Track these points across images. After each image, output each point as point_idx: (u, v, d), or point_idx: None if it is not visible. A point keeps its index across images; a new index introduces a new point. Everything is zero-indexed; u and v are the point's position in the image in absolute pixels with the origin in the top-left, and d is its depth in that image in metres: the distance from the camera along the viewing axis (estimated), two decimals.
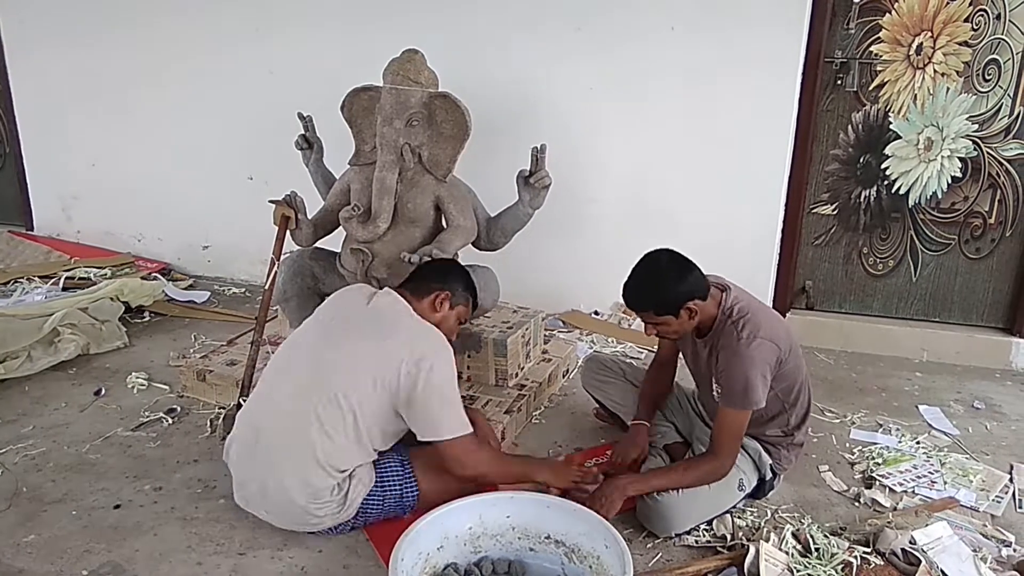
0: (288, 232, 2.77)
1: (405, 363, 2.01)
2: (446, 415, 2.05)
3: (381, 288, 2.72)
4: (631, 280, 2.18)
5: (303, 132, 3.03)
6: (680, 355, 2.50)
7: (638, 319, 3.57)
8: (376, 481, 2.10)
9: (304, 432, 1.99)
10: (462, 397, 2.71)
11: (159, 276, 4.16)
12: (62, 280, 3.87)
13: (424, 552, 1.84)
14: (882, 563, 1.99)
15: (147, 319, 3.71)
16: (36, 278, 3.93)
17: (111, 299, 3.58)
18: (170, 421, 2.75)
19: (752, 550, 1.99)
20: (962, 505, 2.35)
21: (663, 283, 2.12)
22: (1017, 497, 2.40)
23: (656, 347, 2.59)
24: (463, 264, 2.50)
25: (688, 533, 2.16)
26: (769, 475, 2.28)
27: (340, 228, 2.80)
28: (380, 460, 2.14)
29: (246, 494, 2.12)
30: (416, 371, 2.00)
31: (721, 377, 2.15)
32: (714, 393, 2.25)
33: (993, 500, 2.37)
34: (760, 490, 2.30)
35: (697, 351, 2.30)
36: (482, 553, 1.95)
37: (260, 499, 2.08)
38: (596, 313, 3.77)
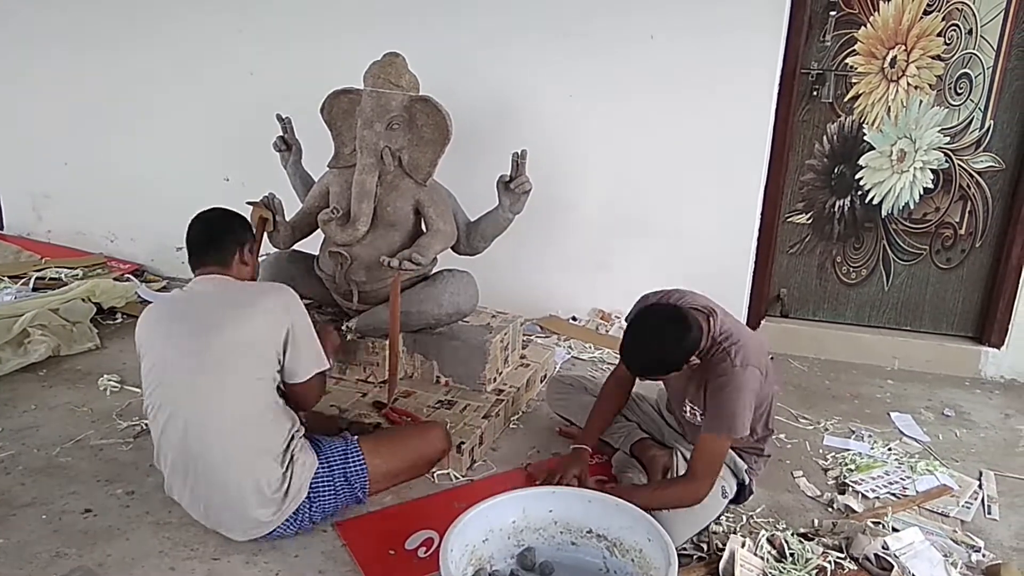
0: (265, 234, 2.75)
1: (276, 322, 2.04)
2: (312, 350, 2.14)
3: (360, 290, 2.73)
4: (635, 348, 2.12)
5: (282, 134, 3.01)
6: None
7: (615, 325, 3.63)
8: (321, 462, 2.12)
9: (232, 435, 2.00)
10: (439, 402, 2.73)
11: (132, 277, 4.10)
12: (32, 280, 3.80)
13: (470, 544, 1.86)
14: (855, 568, 2.02)
15: (119, 321, 3.66)
16: (6, 278, 3.86)
17: (83, 300, 3.53)
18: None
19: (727, 553, 2.00)
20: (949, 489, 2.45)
21: (669, 350, 2.08)
22: (986, 503, 2.44)
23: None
24: (213, 209, 2.36)
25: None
26: (747, 479, 2.30)
27: (318, 231, 2.79)
28: (323, 446, 2.17)
29: (201, 512, 2.11)
30: (284, 323, 2.05)
31: (709, 403, 2.14)
32: (686, 412, 2.28)
33: (963, 506, 2.41)
34: (741, 495, 2.32)
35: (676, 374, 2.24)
36: (525, 545, 1.97)
37: (210, 513, 2.08)
38: (574, 319, 3.78)
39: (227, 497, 2.02)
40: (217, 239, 2.19)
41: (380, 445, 2.26)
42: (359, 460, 2.16)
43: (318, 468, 2.10)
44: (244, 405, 2.02)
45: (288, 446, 2.07)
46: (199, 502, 2.08)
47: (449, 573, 1.67)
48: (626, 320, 2.20)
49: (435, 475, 2.44)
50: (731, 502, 2.30)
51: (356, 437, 2.24)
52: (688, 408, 2.29)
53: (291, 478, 2.04)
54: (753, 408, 2.14)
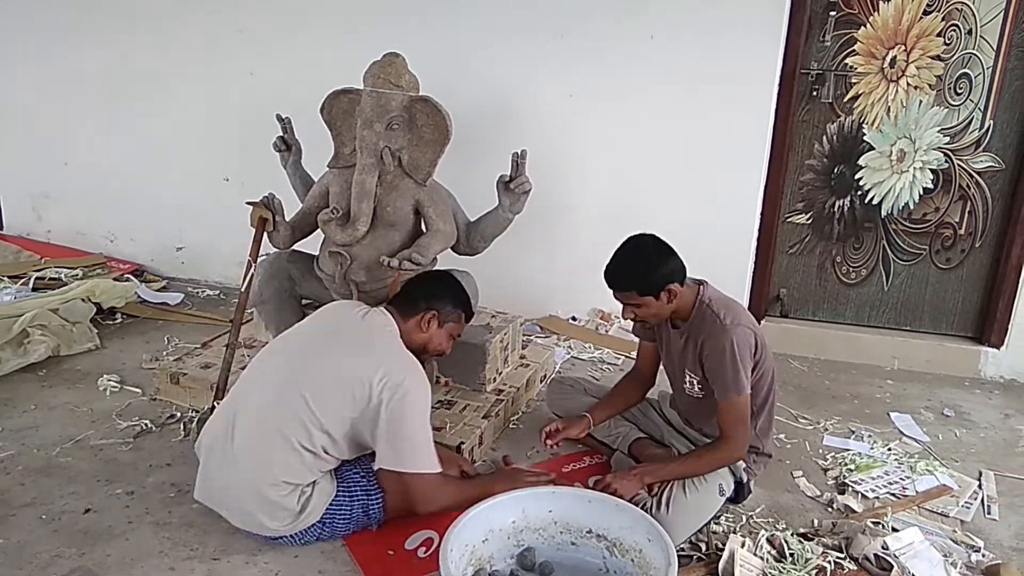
0: (265, 234, 2.75)
1: (380, 384, 1.99)
2: (415, 448, 2.03)
3: (360, 291, 2.73)
4: (614, 261, 2.21)
5: (281, 134, 3.01)
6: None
7: (615, 325, 3.63)
8: (340, 491, 2.09)
9: (268, 443, 1.98)
10: (439, 402, 2.73)
11: (132, 277, 4.10)
12: (32, 280, 3.80)
13: (470, 544, 1.88)
14: (855, 568, 2.01)
15: (119, 321, 3.66)
16: (5, 278, 3.86)
17: (82, 300, 3.52)
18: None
19: (727, 553, 2.00)
20: (948, 489, 2.47)
21: (646, 264, 2.16)
22: (986, 503, 2.44)
23: (635, 354, 2.60)
24: (449, 272, 2.49)
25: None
26: (744, 478, 2.30)
27: (318, 231, 2.79)
28: (343, 470, 2.12)
29: (209, 490, 2.10)
30: (390, 396, 1.98)
31: (708, 372, 2.20)
32: (686, 384, 2.31)
33: (962, 506, 2.41)
34: (739, 494, 2.32)
35: (671, 342, 2.34)
36: (524, 546, 1.98)
37: (221, 497, 2.08)
38: (574, 319, 3.78)
39: (243, 492, 2.00)
40: (419, 290, 2.26)
41: (398, 482, 2.10)
42: (378, 496, 2.11)
43: (337, 495, 2.08)
44: (299, 432, 1.98)
45: (315, 481, 2.05)
46: (216, 479, 2.07)
47: (449, 573, 1.67)
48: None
49: None
50: (729, 501, 2.30)
51: (375, 473, 2.13)
52: (687, 380, 2.31)
53: (308, 500, 2.03)
54: (748, 370, 2.17)
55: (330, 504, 2.06)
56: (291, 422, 1.99)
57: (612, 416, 2.54)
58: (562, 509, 1.99)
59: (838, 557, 2.04)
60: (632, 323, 2.41)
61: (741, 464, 2.30)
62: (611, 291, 2.23)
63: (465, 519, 1.84)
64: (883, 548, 2.01)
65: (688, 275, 2.25)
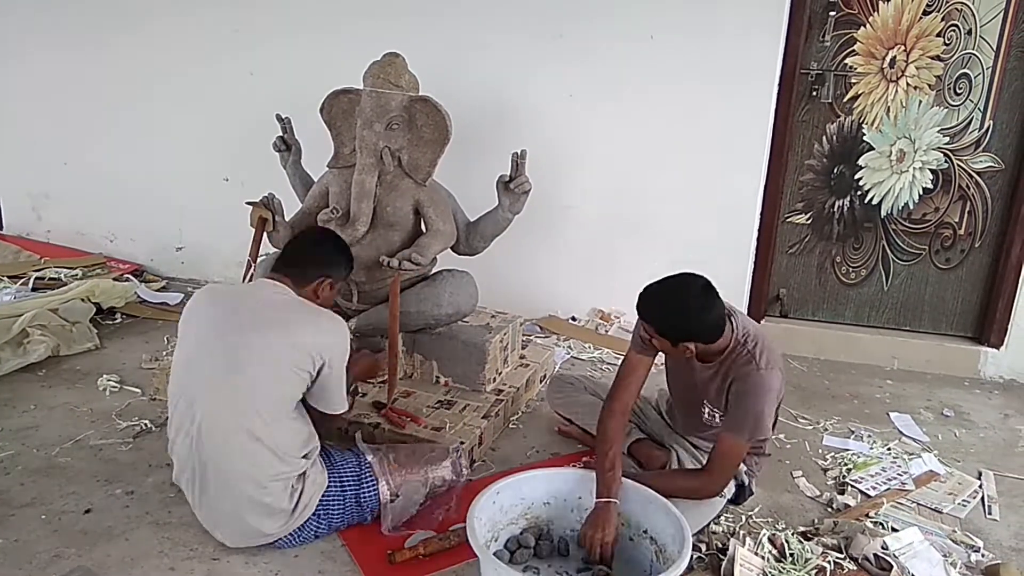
0: (265, 234, 2.75)
1: (315, 351, 2.01)
2: (339, 394, 2.12)
3: (359, 291, 2.73)
4: (653, 295, 2.08)
5: (281, 134, 3.01)
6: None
7: (615, 325, 3.64)
8: (332, 481, 2.10)
9: (240, 451, 1.95)
10: (439, 402, 2.73)
11: (131, 277, 4.10)
12: (32, 280, 3.80)
13: (528, 499, 2.11)
14: (855, 568, 2.02)
15: (119, 321, 3.66)
16: (5, 278, 3.86)
17: (82, 300, 3.53)
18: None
19: (729, 552, 2.00)
20: (938, 477, 2.51)
21: (677, 312, 2.05)
22: (986, 503, 2.44)
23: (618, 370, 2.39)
24: (328, 232, 2.43)
25: None
26: (745, 480, 2.30)
27: None
28: (334, 460, 2.15)
29: (201, 514, 2.08)
30: (326, 357, 2.02)
31: (733, 406, 2.11)
32: (703, 414, 2.25)
33: (959, 504, 2.41)
34: (740, 495, 2.32)
35: (693, 371, 2.22)
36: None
37: (214, 519, 2.05)
38: (573, 319, 3.78)
39: (234, 504, 1.99)
40: (310, 257, 2.20)
41: (392, 465, 2.18)
42: (371, 484, 2.12)
43: (329, 486, 2.09)
44: (267, 410, 1.97)
45: (303, 463, 2.04)
46: (204, 502, 2.04)
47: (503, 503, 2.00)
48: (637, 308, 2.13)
49: None
50: (730, 503, 2.30)
51: (369, 458, 2.17)
52: (707, 410, 2.25)
53: (300, 495, 2.02)
54: (774, 411, 2.15)
55: (323, 495, 2.07)
56: (254, 421, 1.96)
57: (618, 473, 2.11)
58: (627, 504, 2.04)
59: (838, 557, 2.04)
60: (634, 333, 2.29)
61: (743, 467, 2.29)
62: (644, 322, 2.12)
63: (535, 474, 2.10)
64: (883, 548, 2.02)
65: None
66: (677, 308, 2.04)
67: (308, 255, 2.22)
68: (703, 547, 2.14)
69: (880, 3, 3.19)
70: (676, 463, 2.32)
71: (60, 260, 4.17)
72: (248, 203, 2.75)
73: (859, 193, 3.42)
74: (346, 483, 2.12)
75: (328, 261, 2.22)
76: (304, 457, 2.04)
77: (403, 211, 2.69)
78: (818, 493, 2.46)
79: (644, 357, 2.27)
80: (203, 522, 2.09)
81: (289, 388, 2.02)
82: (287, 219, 2.78)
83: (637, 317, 2.14)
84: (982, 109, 3.22)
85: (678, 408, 2.47)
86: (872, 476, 2.54)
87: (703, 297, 2.04)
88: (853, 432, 2.87)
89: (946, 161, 3.31)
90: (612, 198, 3.55)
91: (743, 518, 2.30)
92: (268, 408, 1.98)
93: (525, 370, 3.04)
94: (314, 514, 2.06)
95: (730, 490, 2.26)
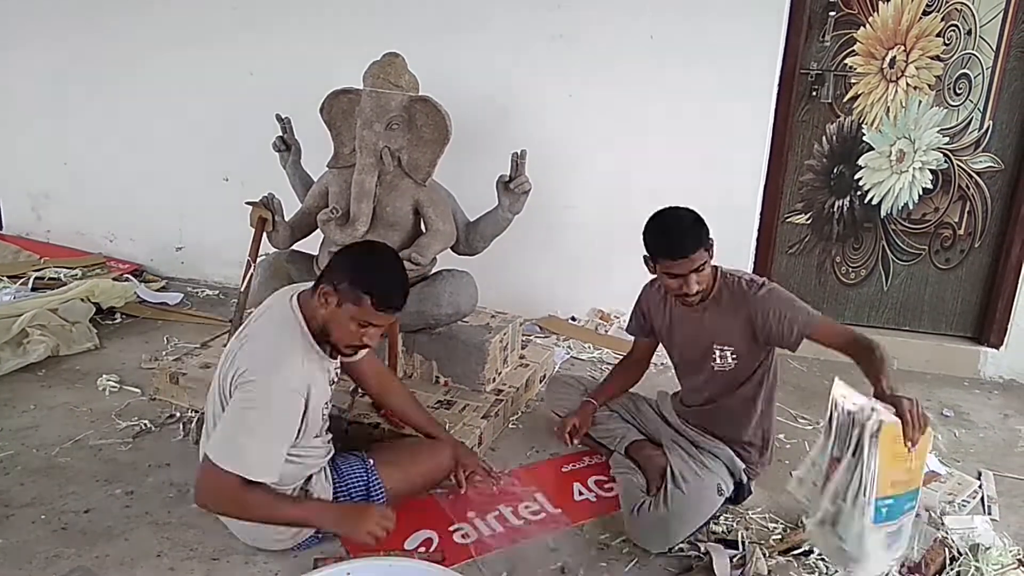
0: (265, 234, 2.75)
1: (233, 373, 1.91)
2: (228, 440, 1.85)
3: None
4: (676, 230, 2.20)
5: (281, 134, 3.01)
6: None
7: (614, 325, 3.63)
8: (339, 492, 2.08)
9: None
10: (439, 402, 2.73)
11: (131, 277, 4.10)
12: (31, 280, 3.80)
13: None
14: None
15: (118, 321, 3.66)
16: (5, 278, 3.86)
17: (82, 300, 3.52)
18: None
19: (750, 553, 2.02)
20: (938, 477, 2.51)
21: (699, 221, 2.21)
22: (986, 503, 2.44)
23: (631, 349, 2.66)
24: (371, 245, 2.25)
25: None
26: (744, 479, 2.32)
27: (318, 231, 2.79)
28: (340, 468, 2.11)
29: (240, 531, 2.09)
30: (239, 383, 1.88)
31: (775, 321, 2.19)
32: (714, 361, 2.30)
33: (959, 504, 2.41)
34: (739, 494, 2.33)
35: (687, 323, 2.34)
36: None
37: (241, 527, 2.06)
38: (573, 319, 3.78)
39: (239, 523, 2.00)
40: (332, 263, 2.02)
41: (394, 471, 2.17)
42: (380, 493, 2.10)
43: (336, 498, 2.07)
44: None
45: (307, 486, 2.04)
46: None
47: None
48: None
49: None
50: (728, 502, 2.31)
51: (374, 463, 2.15)
52: (717, 354, 2.29)
53: None
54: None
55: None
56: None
57: (612, 398, 2.59)
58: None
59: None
60: (628, 322, 2.55)
61: (741, 465, 2.31)
62: (680, 261, 2.17)
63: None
64: None
65: None
66: (695, 221, 2.21)
67: (336, 257, 2.03)
68: (701, 547, 2.14)
69: (880, 3, 3.19)
70: (675, 461, 2.32)
71: (60, 260, 4.17)
72: (248, 203, 2.75)
73: (859, 193, 3.42)
74: (353, 491, 2.10)
75: (334, 265, 1.98)
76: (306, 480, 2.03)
77: (403, 211, 2.69)
78: None
79: (645, 340, 2.56)
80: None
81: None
82: (287, 219, 2.78)
83: (681, 275, 2.19)
84: (982, 109, 3.22)
85: (684, 373, 2.50)
86: None
87: (688, 208, 2.25)
88: None
89: (946, 161, 3.31)
90: (612, 198, 3.55)
91: (743, 518, 2.30)
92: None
93: (525, 370, 3.04)
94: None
95: (729, 487, 2.28)
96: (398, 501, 2.16)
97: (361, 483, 2.11)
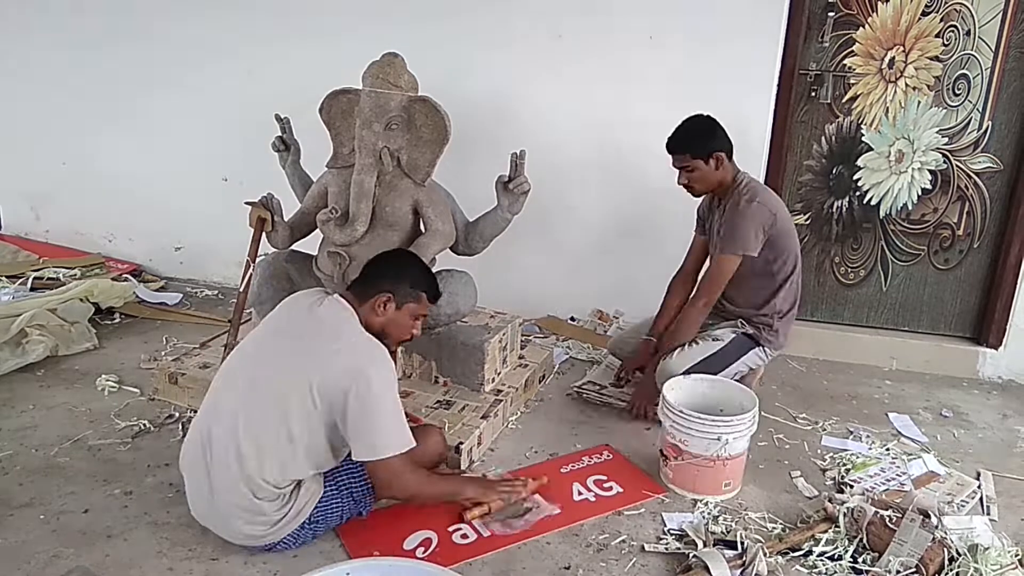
0: (264, 234, 2.75)
1: (342, 376, 1.94)
2: (386, 434, 1.98)
3: None
4: (678, 128, 2.75)
5: (280, 134, 3.01)
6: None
7: (613, 325, 3.63)
8: (328, 485, 2.08)
9: (239, 446, 1.94)
10: (438, 402, 2.73)
11: (130, 277, 4.10)
12: (30, 280, 3.80)
13: None
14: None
15: (117, 321, 3.66)
16: (3, 278, 3.85)
17: (80, 300, 3.52)
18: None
19: (751, 553, 2.02)
20: (937, 477, 2.55)
21: (699, 132, 2.72)
22: (985, 503, 2.44)
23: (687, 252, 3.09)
24: (409, 252, 2.42)
25: (658, 540, 2.18)
26: (750, 330, 2.83)
27: (317, 231, 2.79)
28: (336, 467, 2.11)
29: (196, 506, 2.08)
30: (352, 386, 1.92)
31: (722, 230, 2.72)
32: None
33: (958, 504, 2.41)
34: (753, 341, 2.85)
35: (715, 216, 2.86)
36: None
37: (208, 512, 2.05)
38: (572, 319, 3.78)
39: (226, 502, 1.98)
40: (373, 273, 2.16)
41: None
42: (364, 478, 2.10)
43: (326, 491, 2.07)
44: (274, 431, 1.95)
45: (300, 482, 2.03)
46: (200, 494, 2.04)
47: None
48: None
49: None
50: (739, 351, 2.82)
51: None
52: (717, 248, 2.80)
53: (292, 505, 2.01)
54: (760, 239, 2.69)
55: (320, 502, 2.06)
56: (258, 425, 1.95)
57: (671, 321, 2.95)
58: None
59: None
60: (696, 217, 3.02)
61: (748, 328, 2.84)
62: (672, 156, 2.77)
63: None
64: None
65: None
66: (694, 130, 2.73)
67: (376, 268, 2.18)
68: (700, 544, 2.14)
69: (879, 4, 3.19)
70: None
71: (59, 260, 4.17)
72: (247, 203, 2.75)
73: (858, 194, 3.43)
74: (340, 481, 2.10)
75: (391, 275, 2.14)
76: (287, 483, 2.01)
77: (402, 211, 2.69)
78: (816, 493, 2.46)
79: (702, 238, 3.00)
80: (200, 519, 2.09)
81: (303, 413, 1.95)
82: (286, 219, 2.78)
83: (675, 168, 2.79)
84: (981, 110, 3.23)
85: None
86: (871, 477, 2.55)
87: (709, 122, 2.74)
88: (852, 432, 2.88)
89: (945, 162, 3.31)
90: (611, 198, 3.55)
91: (743, 518, 2.30)
92: (274, 431, 1.95)
93: (524, 370, 3.04)
94: (309, 520, 2.04)
95: (727, 335, 2.82)
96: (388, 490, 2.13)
97: (344, 472, 2.11)
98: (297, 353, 2.02)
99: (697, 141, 2.71)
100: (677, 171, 2.77)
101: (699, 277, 2.98)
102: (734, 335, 2.84)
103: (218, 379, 2.11)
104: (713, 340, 2.81)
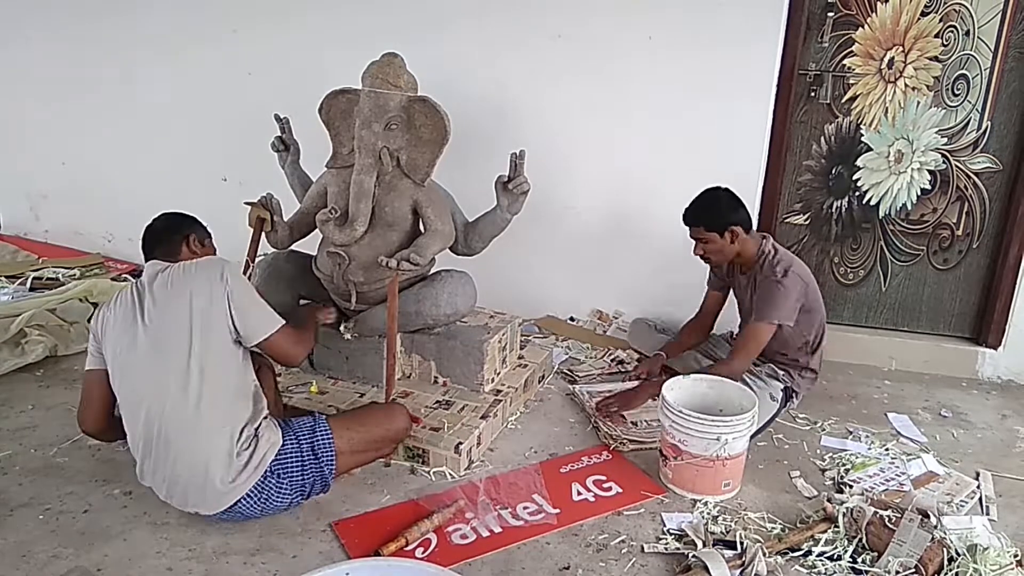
0: (263, 234, 2.75)
1: (214, 292, 2.09)
2: (262, 315, 2.19)
3: (358, 291, 2.73)
4: (693, 201, 2.80)
5: (279, 134, 3.01)
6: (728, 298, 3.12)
7: (613, 325, 3.64)
8: (288, 439, 2.16)
9: (187, 412, 2.05)
10: (437, 402, 2.74)
11: (129, 277, 4.10)
12: (29, 280, 3.80)
13: None
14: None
15: None
16: (3, 278, 3.86)
17: (80, 300, 3.53)
18: None
19: (751, 553, 2.01)
20: (936, 477, 2.55)
21: (716, 207, 2.76)
22: (984, 504, 2.44)
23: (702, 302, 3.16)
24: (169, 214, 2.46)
25: (658, 541, 2.18)
26: (789, 385, 2.87)
27: (316, 231, 2.79)
28: (292, 425, 2.21)
29: (172, 497, 2.13)
30: (224, 289, 2.10)
31: (757, 299, 2.74)
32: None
33: (957, 504, 2.41)
34: (788, 400, 2.90)
35: (741, 286, 2.94)
36: None
37: (171, 483, 2.10)
38: (572, 319, 3.78)
39: (188, 467, 2.05)
40: (164, 240, 2.26)
41: (345, 420, 2.33)
42: (326, 434, 2.21)
43: (285, 444, 2.15)
44: (201, 382, 2.06)
45: (253, 425, 2.11)
46: (164, 482, 2.11)
47: None
48: None
49: (432, 473, 2.44)
50: (781, 406, 2.86)
51: (324, 416, 2.28)
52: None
53: (253, 451, 2.08)
54: (797, 308, 2.73)
55: (280, 454, 2.13)
56: (188, 385, 2.06)
57: (683, 351, 3.11)
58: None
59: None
60: (708, 274, 3.07)
61: (782, 373, 2.88)
62: (688, 228, 2.81)
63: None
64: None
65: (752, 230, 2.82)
66: (711, 204, 2.77)
67: (156, 238, 2.27)
68: (699, 544, 2.14)
69: (878, 4, 3.19)
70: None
71: (58, 260, 4.17)
72: (246, 203, 2.75)
73: (857, 194, 3.43)
74: (300, 436, 2.19)
75: (177, 227, 2.29)
76: (255, 420, 2.12)
77: (401, 211, 2.69)
78: (815, 493, 2.46)
79: (716, 292, 3.08)
80: (171, 501, 2.14)
81: (214, 347, 2.09)
82: (285, 219, 2.78)
83: (691, 239, 2.83)
84: (980, 110, 3.23)
85: (743, 315, 3.00)
86: (870, 477, 2.55)
87: (728, 196, 2.79)
88: (851, 433, 2.88)
89: (944, 162, 3.32)
90: (610, 198, 3.55)
91: (742, 518, 2.30)
92: (201, 382, 2.06)
93: (523, 370, 3.04)
94: (272, 472, 2.11)
95: (778, 394, 2.84)
96: (352, 457, 2.31)
97: (307, 428, 2.21)
98: (166, 304, 2.10)
99: (712, 215, 2.75)
100: (693, 242, 2.83)
101: (713, 321, 3.14)
102: (783, 390, 2.90)
103: (121, 398, 2.15)
104: (771, 399, 2.83)
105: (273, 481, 2.12)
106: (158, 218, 2.33)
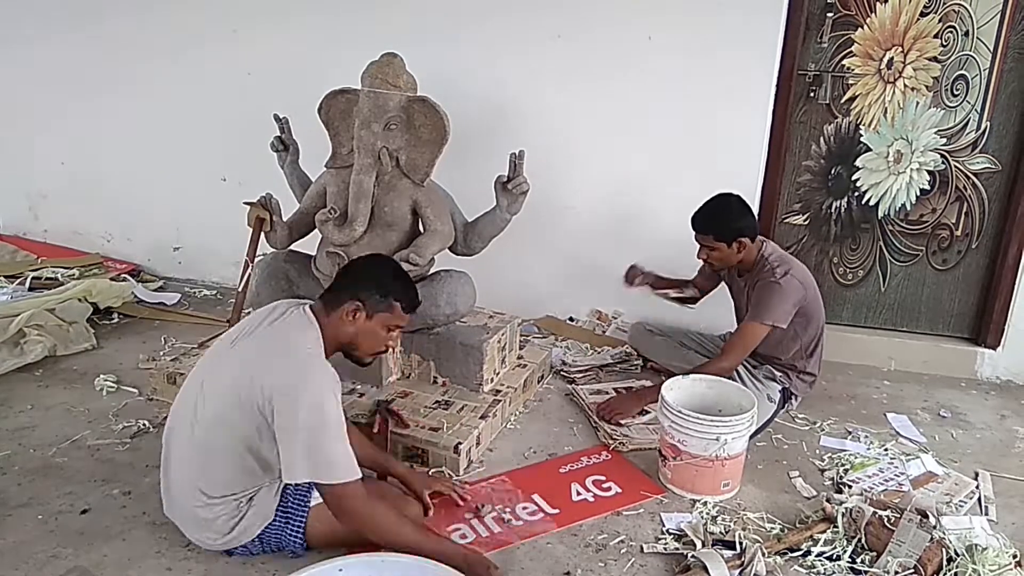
0: (263, 234, 2.75)
1: (266, 388, 1.82)
2: (314, 455, 1.81)
3: None
4: (702, 208, 2.77)
5: (279, 134, 3.01)
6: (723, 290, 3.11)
7: (612, 326, 3.63)
8: (278, 513, 2.00)
9: (188, 454, 1.95)
10: (436, 402, 2.73)
11: (128, 277, 4.10)
12: (28, 280, 3.80)
13: None
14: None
15: (116, 321, 3.65)
16: (2, 278, 3.85)
17: (79, 300, 3.52)
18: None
19: (750, 553, 2.02)
20: (935, 477, 2.56)
21: (727, 216, 2.74)
22: (983, 504, 2.44)
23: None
24: (388, 258, 2.35)
25: (657, 541, 2.18)
26: (785, 383, 2.87)
27: (315, 231, 2.79)
28: (290, 491, 2.02)
29: (165, 501, 2.09)
30: (280, 401, 1.81)
31: (753, 299, 2.74)
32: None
33: (956, 504, 2.41)
34: (786, 401, 2.91)
35: (737, 289, 2.95)
36: None
37: (171, 513, 2.06)
38: (571, 319, 3.78)
39: (177, 499, 2.01)
40: (343, 280, 2.03)
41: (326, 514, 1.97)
42: (299, 531, 2.00)
43: (275, 519, 2.00)
44: (215, 435, 1.91)
45: (252, 499, 1.98)
46: (165, 496, 2.07)
47: None
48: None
49: (431, 473, 2.44)
50: (779, 408, 2.87)
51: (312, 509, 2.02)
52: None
53: (239, 521, 1.97)
54: (792, 311, 2.72)
55: (267, 528, 1.99)
56: (201, 432, 1.92)
57: (665, 285, 3.16)
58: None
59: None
60: (702, 263, 2.96)
61: (778, 374, 2.88)
62: (696, 234, 2.79)
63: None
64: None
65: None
66: (721, 213, 2.75)
67: (346, 275, 2.05)
68: (699, 544, 2.14)
69: (878, 4, 3.19)
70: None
71: (57, 260, 4.17)
72: (246, 203, 2.75)
73: (856, 194, 3.43)
74: (284, 516, 2.02)
75: (360, 283, 2.00)
76: (254, 490, 1.98)
77: (401, 211, 2.69)
78: (814, 493, 2.47)
79: (709, 273, 3.04)
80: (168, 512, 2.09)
81: (233, 422, 1.88)
82: (284, 219, 2.78)
83: (697, 243, 2.81)
84: (979, 110, 3.23)
85: (739, 317, 2.99)
86: (869, 477, 2.55)
87: (739, 204, 2.76)
88: (850, 433, 2.88)
89: (943, 162, 3.32)
90: (610, 198, 3.55)
91: (741, 518, 2.30)
92: (215, 435, 1.91)
93: (523, 370, 3.04)
94: (257, 539, 2.00)
95: (776, 395, 2.85)
96: (326, 540, 2.02)
97: (284, 514, 2.01)
98: (238, 364, 1.92)
99: (723, 225, 2.74)
100: (695, 244, 2.81)
101: (701, 292, 3.15)
102: (781, 391, 2.91)
103: (185, 382, 2.07)
104: (769, 400, 2.84)
105: (257, 544, 2.01)
106: (374, 260, 2.11)
